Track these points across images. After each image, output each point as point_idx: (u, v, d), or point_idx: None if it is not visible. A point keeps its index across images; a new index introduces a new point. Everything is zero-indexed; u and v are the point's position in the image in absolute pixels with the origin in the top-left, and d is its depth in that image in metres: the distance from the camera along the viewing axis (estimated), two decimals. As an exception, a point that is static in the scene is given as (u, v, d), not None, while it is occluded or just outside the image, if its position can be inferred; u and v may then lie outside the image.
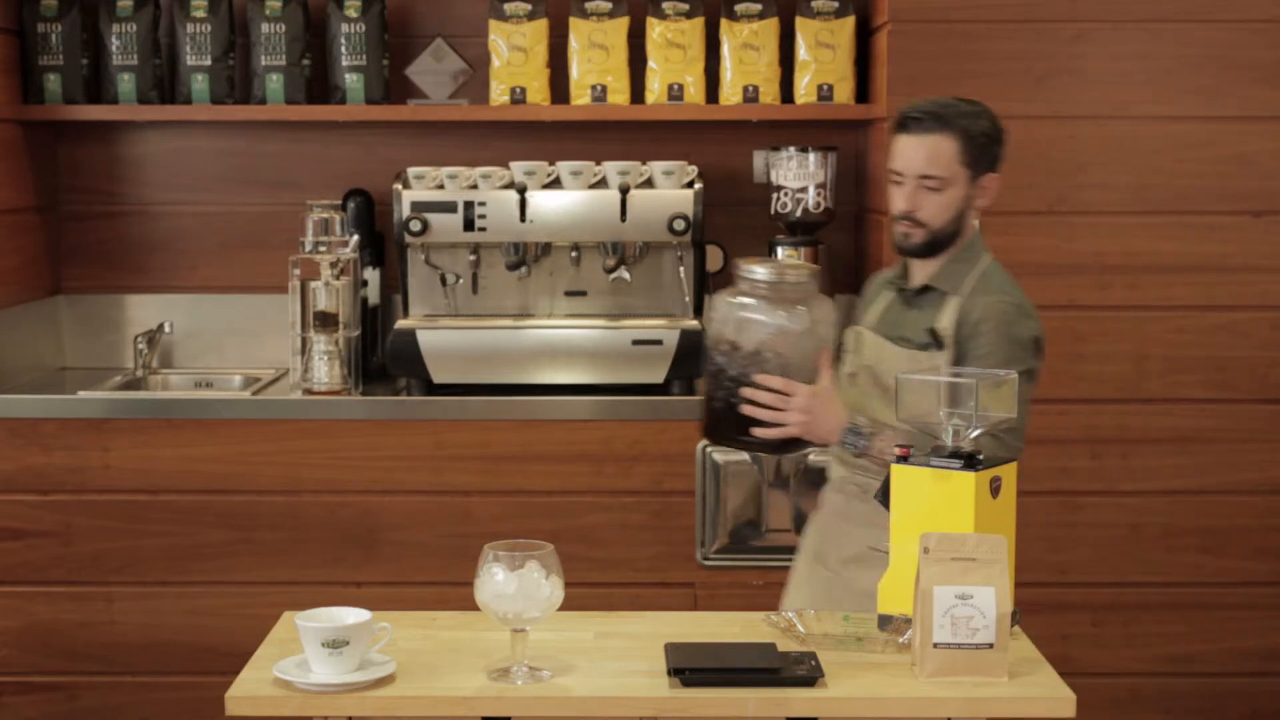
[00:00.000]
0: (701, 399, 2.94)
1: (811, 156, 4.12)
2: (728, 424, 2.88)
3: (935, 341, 2.92)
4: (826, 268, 4.15)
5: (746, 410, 2.84)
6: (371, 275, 4.31)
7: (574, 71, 4.21)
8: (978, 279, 2.97)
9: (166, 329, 4.45)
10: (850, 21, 4.18)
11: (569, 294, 4.21)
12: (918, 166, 2.93)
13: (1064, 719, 2.27)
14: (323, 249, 4.06)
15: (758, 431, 2.85)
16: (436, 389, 4.04)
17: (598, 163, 4.17)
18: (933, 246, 2.97)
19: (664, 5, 4.22)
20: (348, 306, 4.06)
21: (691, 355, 4.02)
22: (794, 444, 2.90)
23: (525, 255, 4.12)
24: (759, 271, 2.85)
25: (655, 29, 4.20)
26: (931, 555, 2.31)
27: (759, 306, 2.83)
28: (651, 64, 4.21)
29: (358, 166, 4.45)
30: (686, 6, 4.21)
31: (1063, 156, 3.89)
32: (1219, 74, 3.87)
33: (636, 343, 4.00)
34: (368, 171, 4.44)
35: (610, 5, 4.21)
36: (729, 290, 2.88)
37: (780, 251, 4.12)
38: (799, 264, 2.90)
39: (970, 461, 2.43)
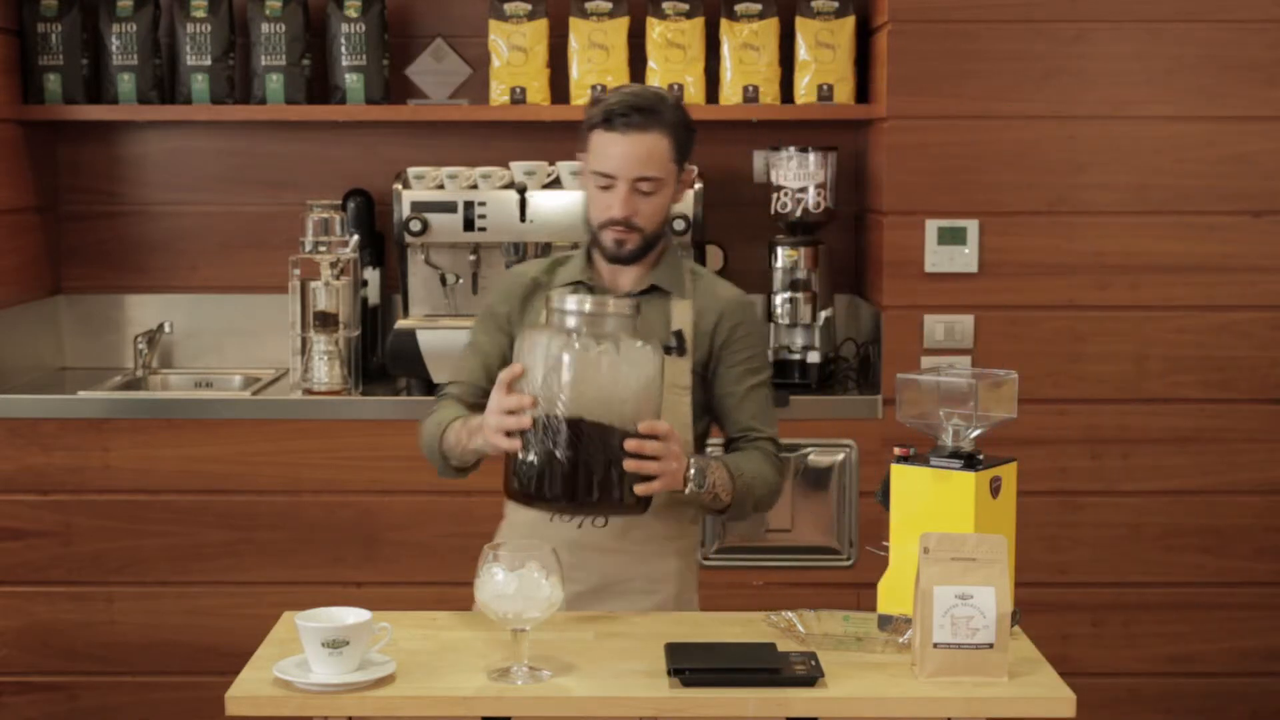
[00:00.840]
0: (534, 461, 2.47)
1: (811, 156, 4.12)
2: (591, 484, 2.49)
3: (679, 345, 2.77)
4: (827, 268, 4.15)
5: (633, 466, 2.49)
6: (371, 275, 4.31)
7: (574, 71, 4.21)
8: (691, 277, 2.82)
9: (166, 329, 4.45)
10: (850, 21, 4.18)
11: (569, 294, 4.20)
12: (633, 169, 2.69)
13: (1064, 719, 2.27)
14: (323, 249, 4.06)
15: (642, 488, 2.51)
16: (436, 389, 4.03)
17: (598, 163, 4.17)
18: (645, 250, 2.76)
19: (664, 5, 4.22)
20: (348, 306, 4.06)
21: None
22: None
23: (525, 255, 4.12)
24: (606, 303, 2.49)
25: (655, 29, 4.20)
26: (931, 555, 2.31)
27: (627, 345, 2.48)
28: (651, 64, 4.21)
29: (358, 166, 4.45)
30: (686, 6, 4.21)
31: (1063, 156, 3.89)
32: (1219, 74, 3.87)
33: (636, 343, 3.99)
34: (368, 171, 4.44)
35: (610, 5, 4.21)
36: (548, 330, 2.50)
37: (781, 252, 4.12)
38: (609, 297, 2.56)
39: (970, 461, 2.43)
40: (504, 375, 2.51)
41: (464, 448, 2.68)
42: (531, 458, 2.47)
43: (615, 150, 2.70)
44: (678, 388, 2.75)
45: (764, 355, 2.85)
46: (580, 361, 2.45)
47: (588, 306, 2.48)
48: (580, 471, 2.47)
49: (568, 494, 2.48)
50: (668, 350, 2.72)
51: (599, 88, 4.17)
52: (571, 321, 2.48)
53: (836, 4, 4.18)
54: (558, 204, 4.09)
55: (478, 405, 2.71)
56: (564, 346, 2.46)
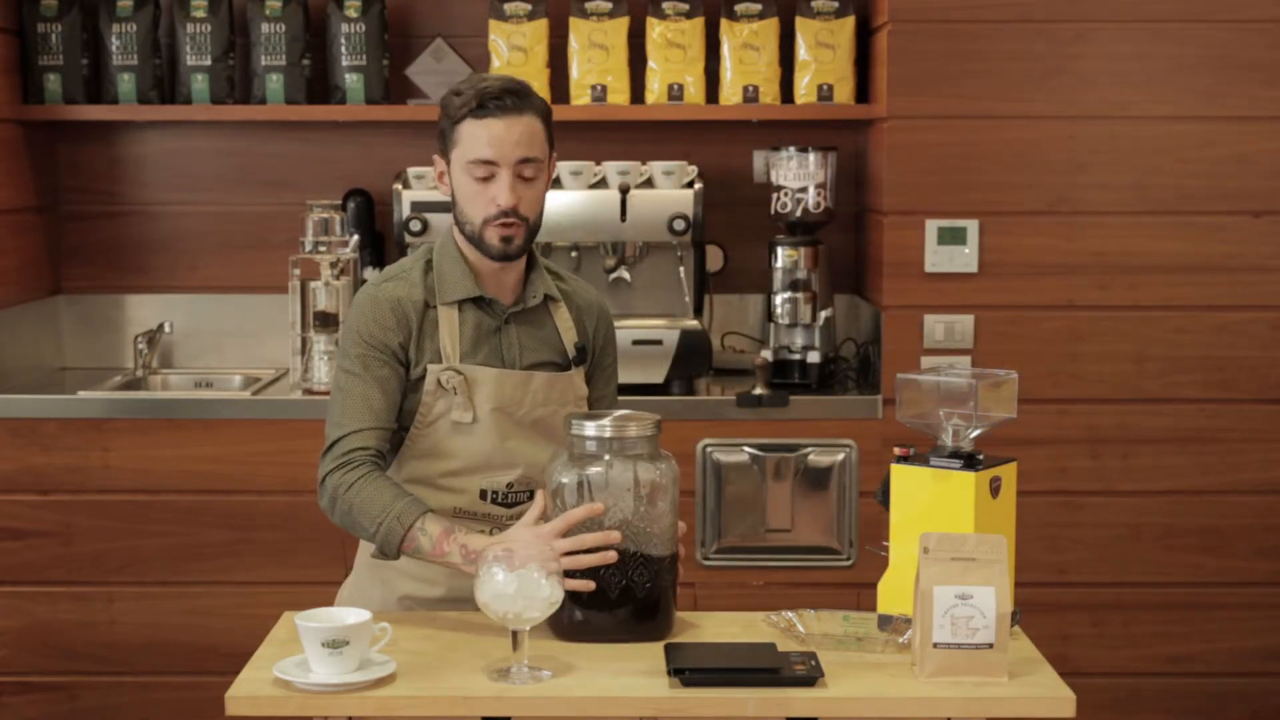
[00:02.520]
0: (612, 598, 2.44)
1: (811, 156, 4.12)
2: (671, 611, 2.51)
3: (580, 356, 2.72)
4: (826, 267, 4.15)
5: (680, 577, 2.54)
6: (371, 275, 4.31)
7: (574, 71, 4.21)
8: (548, 276, 2.74)
9: (166, 329, 4.45)
10: (850, 21, 4.18)
11: (569, 294, 4.20)
12: (518, 151, 2.57)
13: (1064, 719, 2.27)
14: (323, 249, 4.06)
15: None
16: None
17: (598, 163, 4.17)
18: (528, 245, 2.65)
19: (664, 5, 4.22)
20: (347, 306, 4.06)
21: (692, 355, 4.02)
22: None
23: (525, 255, 4.12)
24: (646, 425, 2.47)
25: (655, 29, 4.20)
26: (931, 555, 2.31)
27: (664, 459, 2.50)
28: (651, 64, 4.21)
29: (358, 166, 4.45)
30: (686, 6, 4.21)
31: (1063, 156, 3.89)
32: (1219, 74, 3.87)
33: (636, 343, 4.00)
34: (368, 171, 4.44)
35: (610, 5, 4.21)
36: (579, 461, 2.45)
37: (781, 252, 4.12)
38: (629, 413, 2.51)
39: (970, 461, 2.43)
40: (579, 513, 2.42)
41: (453, 567, 2.50)
42: (611, 596, 2.44)
43: (494, 135, 2.57)
44: (581, 400, 2.73)
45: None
46: (658, 490, 2.46)
47: (632, 430, 2.45)
48: (663, 601, 2.48)
49: (665, 625, 2.48)
50: (565, 366, 2.71)
51: (599, 88, 4.18)
52: (632, 449, 2.46)
53: (836, 4, 4.18)
54: (558, 204, 4.09)
55: (383, 451, 2.62)
56: (647, 475, 2.45)
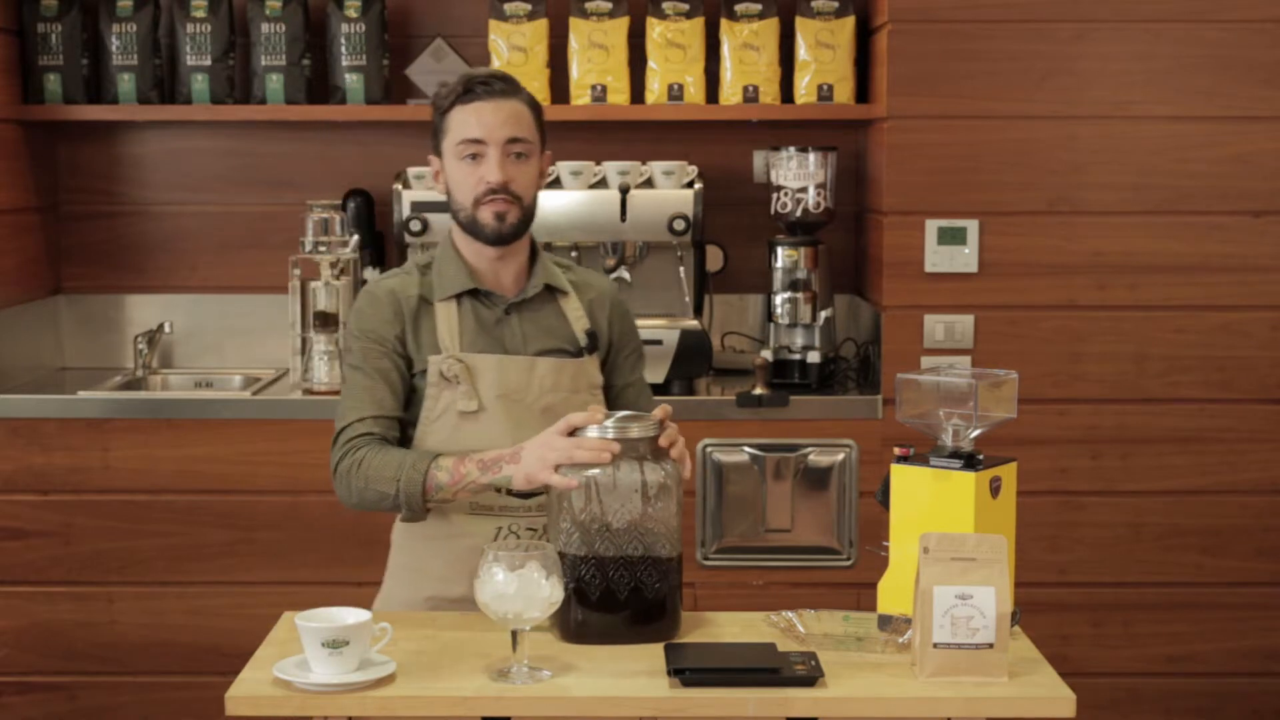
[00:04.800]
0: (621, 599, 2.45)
1: (811, 156, 4.12)
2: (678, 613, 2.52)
3: (591, 344, 2.72)
4: (826, 267, 4.15)
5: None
6: (371, 275, 4.31)
7: (574, 71, 4.21)
8: (553, 267, 2.75)
9: (166, 329, 4.45)
10: (850, 21, 4.18)
11: (569, 294, 4.20)
12: (505, 130, 2.61)
13: (1064, 719, 2.27)
14: (323, 249, 4.06)
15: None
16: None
17: (598, 163, 4.17)
18: (524, 227, 2.66)
19: (664, 5, 4.22)
20: (347, 306, 4.06)
21: (692, 355, 4.02)
22: None
23: (525, 255, 4.12)
24: (649, 427, 2.46)
25: (655, 29, 4.20)
26: (931, 555, 2.31)
27: (672, 470, 2.48)
28: (651, 64, 4.21)
29: (358, 166, 4.45)
30: (686, 6, 4.21)
31: (1063, 156, 3.89)
32: (1219, 74, 3.87)
33: (636, 343, 4.00)
34: (368, 171, 4.44)
35: (610, 5, 4.21)
36: (590, 469, 2.44)
37: (781, 252, 4.12)
38: (633, 414, 2.51)
39: (970, 461, 2.43)
40: (580, 418, 2.44)
41: (474, 483, 2.54)
42: (622, 597, 2.46)
43: (484, 116, 2.61)
44: (595, 388, 2.73)
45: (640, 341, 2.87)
46: (664, 491, 2.46)
47: (635, 431, 2.45)
48: (670, 602, 2.49)
49: (673, 626, 2.48)
50: (578, 353, 2.71)
51: (599, 88, 4.18)
52: (637, 450, 2.45)
53: (836, 4, 4.18)
54: (558, 204, 4.10)
55: (388, 438, 2.63)
56: (621, 477, 2.44)
